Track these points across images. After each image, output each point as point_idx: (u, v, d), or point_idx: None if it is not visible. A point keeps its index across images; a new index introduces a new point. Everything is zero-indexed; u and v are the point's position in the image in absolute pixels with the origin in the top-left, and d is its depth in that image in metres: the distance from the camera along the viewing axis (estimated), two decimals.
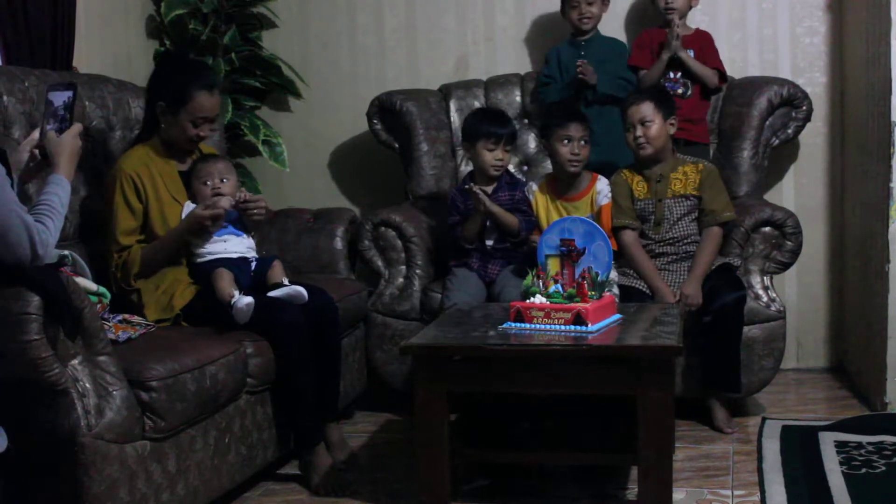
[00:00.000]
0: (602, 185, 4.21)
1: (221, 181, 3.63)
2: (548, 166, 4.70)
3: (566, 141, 4.15)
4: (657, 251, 4.11)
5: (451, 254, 4.26)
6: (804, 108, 4.52)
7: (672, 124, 4.11)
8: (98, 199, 3.68)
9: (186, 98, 3.56)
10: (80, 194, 3.72)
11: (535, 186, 4.31)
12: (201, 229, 3.56)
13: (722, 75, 4.54)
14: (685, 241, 4.09)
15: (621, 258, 4.12)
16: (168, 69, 3.66)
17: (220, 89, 3.68)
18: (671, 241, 4.09)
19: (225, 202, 3.55)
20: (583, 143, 4.15)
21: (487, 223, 4.17)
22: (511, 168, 4.48)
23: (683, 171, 4.11)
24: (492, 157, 4.16)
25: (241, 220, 3.67)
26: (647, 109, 4.05)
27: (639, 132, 4.05)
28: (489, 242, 4.21)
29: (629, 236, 4.09)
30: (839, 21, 4.78)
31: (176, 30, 4.78)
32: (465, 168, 4.75)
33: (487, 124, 4.18)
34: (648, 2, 4.69)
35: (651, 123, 4.05)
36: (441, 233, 4.45)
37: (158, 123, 3.64)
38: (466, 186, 4.10)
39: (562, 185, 4.26)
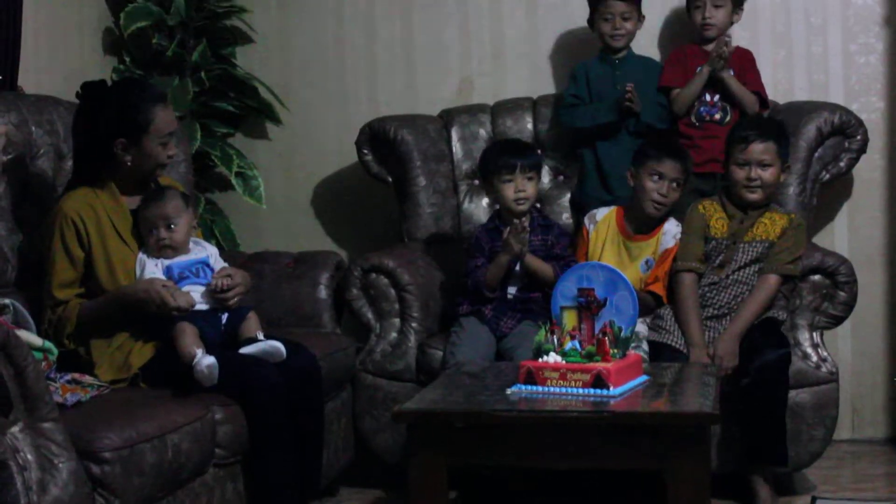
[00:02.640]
0: (671, 225, 4.24)
1: (169, 227, 3.62)
2: (564, 203, 4.71)
3: (657, 178, 4.17)
4: (705, 295, 4.12)
5: (464, 300, 4.25)
6: (859, 137, 4.53)
7: (785, 170, 4.18)
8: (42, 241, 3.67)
9: (147, 121, 3.58)
10: (22, 234, 3.73)
11: (599, 215, 4.33)
12: (145, 305, 3.51)
13: (763, 101, 4.56)
14: (740, 291, 4.09)
15: (663, 306, 4.14)
16: (108, 102, 3.64)
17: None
18: (726, 287, 4.10)
19: (184, 301, 3.49)
20: (675, 185, 4.18)
21: (516, 268, 4.18)
22: None
23: (771, 216, 4.14)
24: (511, 189, 4.18)
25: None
26: (769, 151, 4.09)
27: (754, 174, 4.08)
28: (511, 290, 4.22)
29: (689, 278, 4.11)
30: None
31: (137, 45, 4.81)
32: (469, 206, 4.76)
33: (499, 155, 4.24)
34: (684, 16, 4.71)
35: (769, 167, 4.09)
36: (441, 280, 4.46)
37: (108, 164, 3.64)
38: (516, 221, 4.09)
39: (633, 221, 4.30)
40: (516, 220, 4.10)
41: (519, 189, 4.18)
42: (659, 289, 4.15)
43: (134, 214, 3.67)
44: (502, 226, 4.21)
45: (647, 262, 4.22)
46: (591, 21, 4.68)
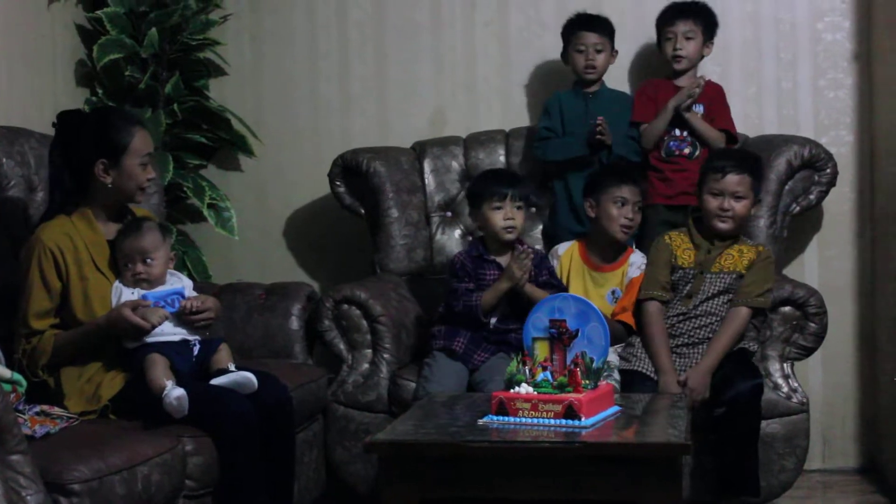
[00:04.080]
0: (637, 257, 4.29)
1: (145, 262, 3.60)
2: (536, 234, 4.72)
3: (620, 203, 4.20)
4: (675, 325, 4.12)
5: (439, 332, 4.22)
6: (828, 170, 4.55)
7: (755, 205, 4.20)
8: (14, 273, 3.63)
9: (126, 142, 3.61)
10: None
11: (561, 249, 4.35)
12: (122, 331, 3.52)
13: (731, 137, 4.57)
14: (710, 322, 4.10)
15: (634, 335, 4.15)
16: (86, 126, 3.67)
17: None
18: (695, 317, 4.11)
19: (156, 318, 3.50)
20: (637, 208, 4.22)
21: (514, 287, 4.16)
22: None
23: (739, 249, 4.16)
24: (500, 217, 4.17)
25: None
26: (744, 183, 4.11)
27: (727, 204, 4.10)
28: (493, 320, 4.19)
29: (653, 306, 4.13)
30: (868, 72, 4.84)
31: (110, 77, 4.80)
32: (442, 237, 4.76)
33: (491, 182, 4.24)
34: (654, 50, 4.74)
35: (743, 200, 4.11)
36: (414, 311, 4.45)
37: (86, 191, 3.64)
38: (519, 247, 4.10)
39: (597, 252, 4.34)
40: (519, 247, 4.11)
41: (507, 217, 4.17)
42: (628, 318, 4.17)
43: (111, 245, 3.66)
44: (487, 254, 4.21)
45: (613, 292, 4.24)
46: (564, 54, 4.69)
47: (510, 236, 4.19)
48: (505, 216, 4.17)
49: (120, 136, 3.61)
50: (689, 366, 4.04)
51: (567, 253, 4.37)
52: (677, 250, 4.19)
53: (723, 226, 4.13)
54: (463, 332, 4.17)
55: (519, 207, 4.20)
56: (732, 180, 4.11)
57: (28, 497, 2.73)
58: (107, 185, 3.62)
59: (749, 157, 4.32)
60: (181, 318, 3.59)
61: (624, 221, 4.22)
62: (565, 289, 4.21)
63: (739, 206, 4.11)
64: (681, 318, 4.13)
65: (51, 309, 3.56)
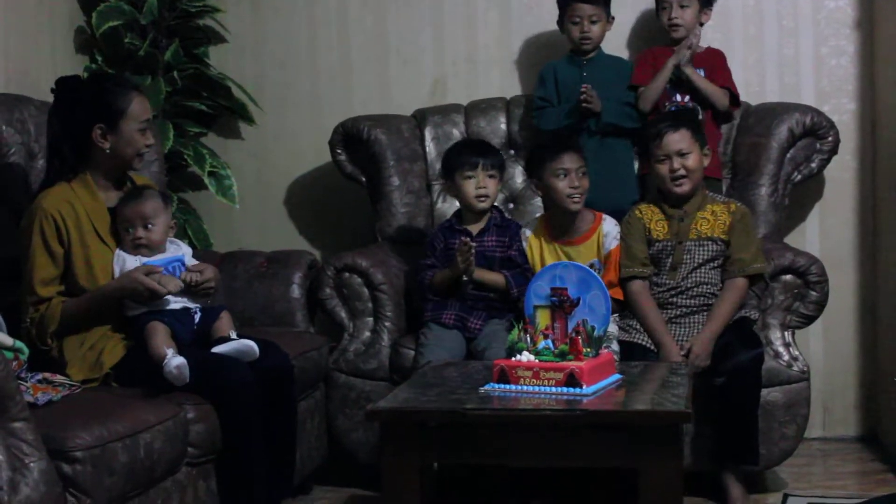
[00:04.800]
0: (609, 226, 4.24)
1: (146, 227, 3.61)
2: (538, 203, 4.70)
3: (562, 174, 4.16)
4: (668, 300, 4.12)
5: (426, 304, 4.25)
6: (830, 138, 4.55)
7: (706, 155, 4.17)
8: (15, 241, 3.63)
9: (124, 107, 3.61)
10: None
11: (528, 232, 4.32)
12: (136, 296, 3.52)
13: (734, 97, 4.57)
14: (703, 291, 4.10)
15: (627, 309, 4.14)
16: (84, 91, 3.67)
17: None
18: (687, 289, 4.10)
19: (172, 285, 3.51)
20: (581, 174, 4.17)
21: (464, 277, 4.18)
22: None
23: (712, 210, 4.14)
24: (472, 186, 4.19)
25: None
26: (684, 138, 4.10)
27: (676, 164, 4.08)
28: (469, 288, 4.21)
29: (637, 285, 4.12)
30: (870, 40, 4.82)
31: (109, 44, 4.78)
32: (443, 205, 4.75)
33: (462, 152, 4.27)
34: (654, 17, 4.72)
35: (689, 154, 4.10)
36: (415, 280, 4.45)
37: (85, 157, 3.64)
38: (464, 239, 4.12)
39: (560, 226, 4.28)
40: (464, 239, 4.12)
41: (480, 186, 4.19)
42: (617, 293, 4.13)
43: (112, 213, 3.66)
44: (458, 224, 4.24)
45: (592, 265, 4.19)
46: (560, 23, 4.68)
47: (483, 205, 4.22)
48: (477, 185, 4.20)
49: (118, 101, 3.62)
50: (689, 335, 4.04)
51: (535, 231, 4.32)
52: (650, 223, 4.17)
53: (680, 189, 4.11)
54: (450, 304, 4.20)
55: (491, 176, 4.23)
56: (672, 139, 4.10)
57: (31, 464, 2.74)
58: (105, 151, 3.62)
59: (682, 111, 4.35)
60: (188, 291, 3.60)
61: (570, 191, 4.15)
62: (530, 268, 4.20)
63: (689, 162, 4.09)
64: (672, 292, 4.12)
65: (56, 276, 3.56)
